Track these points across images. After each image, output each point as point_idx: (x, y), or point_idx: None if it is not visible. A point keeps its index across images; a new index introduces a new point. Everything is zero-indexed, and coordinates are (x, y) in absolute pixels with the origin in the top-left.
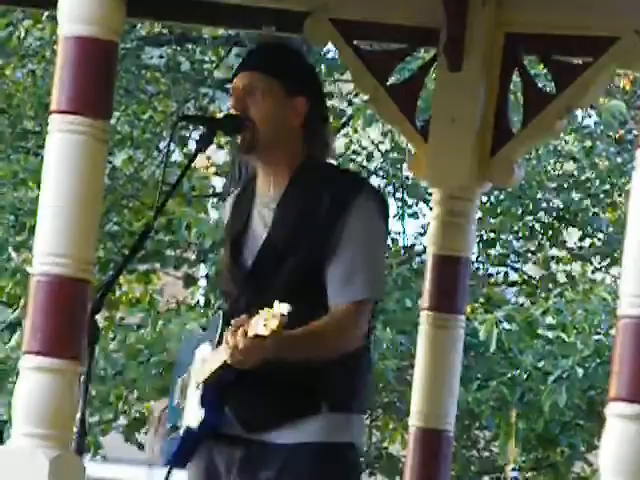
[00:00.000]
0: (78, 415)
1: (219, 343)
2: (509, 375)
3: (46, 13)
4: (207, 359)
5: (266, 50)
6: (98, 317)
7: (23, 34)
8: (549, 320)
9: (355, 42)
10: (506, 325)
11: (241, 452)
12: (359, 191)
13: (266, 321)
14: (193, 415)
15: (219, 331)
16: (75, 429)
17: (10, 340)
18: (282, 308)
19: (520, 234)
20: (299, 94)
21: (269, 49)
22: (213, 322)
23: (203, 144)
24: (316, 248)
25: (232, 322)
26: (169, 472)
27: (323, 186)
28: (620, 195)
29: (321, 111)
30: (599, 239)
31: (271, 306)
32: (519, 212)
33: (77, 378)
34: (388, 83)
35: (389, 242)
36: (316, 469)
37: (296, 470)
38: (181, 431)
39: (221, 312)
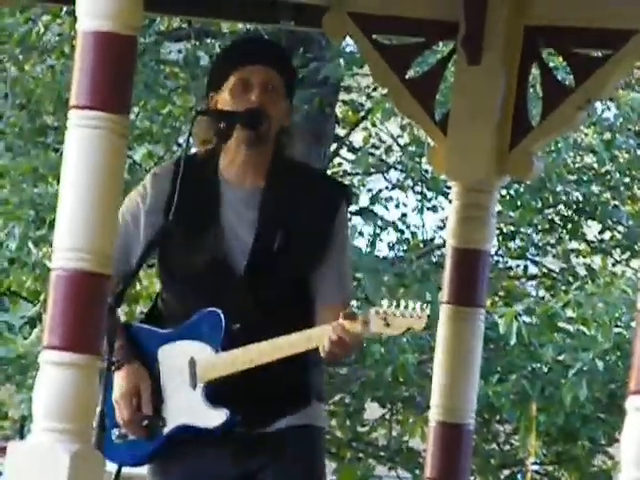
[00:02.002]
0: (98, 409)
1: (228, 343)
2: (529, 368)
3: (65, 8)
4: (217, 357)
5: (278, 49)
6: (118, 311)
7: (42, 29)
8: (569, 313)
9: (374, 36)
10: (526, 318)
11: (234, 446)
12: (344, 197)
13: (386, 320)
14: (203, 416)
15: (223, 330)
16: (95, 423)
17: (30, 335)
18: (421, 309)
19: (540, 227)
20: (289, 97)
21: (279, 48)
22: (201, 320)
23: (222, 138)
24: (307, 249)
25: (342, 315)
26: (119, 472)
27: (308, 187)
28: None
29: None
30: (619, 232)
31: (278, 304)
32: (539, 205)
33: (97, 372)
34: (407, 77)
35: (409, 236)
36: (309, 447)
37: (291, 448)
38: (166, 430)
39: (220, 312)
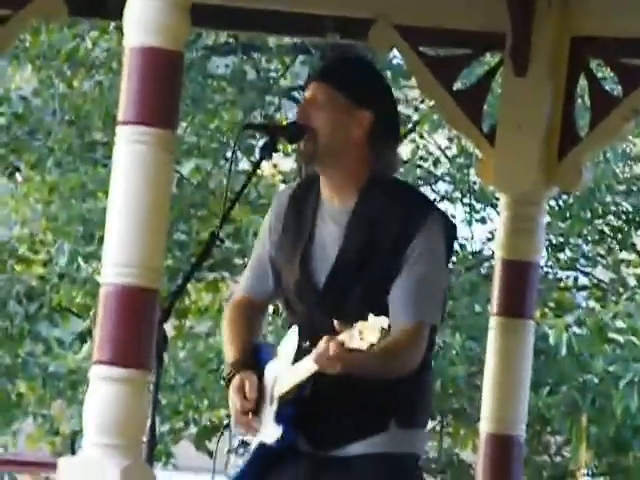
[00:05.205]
0: (148, 424)
1: (297, 359)
2: (580, 380)
3: (113, 24)
4: (282, 374)
5: (334, 62)
6: (166, 326)
7: (90, 45)
8: (620, 324)
9: (420, 48)
10: (576, 329)
11: (305, 467)
12: (427, 217)
13: (362, 334)
14: (269, 432)
15: (296, 347)
16: (145, 438)
17: (81, 350)
18: (382, 321)
19: (589, 238)
20: (364, 107)
21: (338, 61)
22: (287, 338)
23: (266, 152)
24: (385, 267)
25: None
26: None
27: (393, 208)
28: None
29: (388, 125)
30: None
31: (349, 320)
32: (588, 216)
33: (146, 387)
34: (454, 89)
35: (457, 248)
36: (381, 476)
37: (361, 477)
38: (252, 447)
39: (296, 328)
